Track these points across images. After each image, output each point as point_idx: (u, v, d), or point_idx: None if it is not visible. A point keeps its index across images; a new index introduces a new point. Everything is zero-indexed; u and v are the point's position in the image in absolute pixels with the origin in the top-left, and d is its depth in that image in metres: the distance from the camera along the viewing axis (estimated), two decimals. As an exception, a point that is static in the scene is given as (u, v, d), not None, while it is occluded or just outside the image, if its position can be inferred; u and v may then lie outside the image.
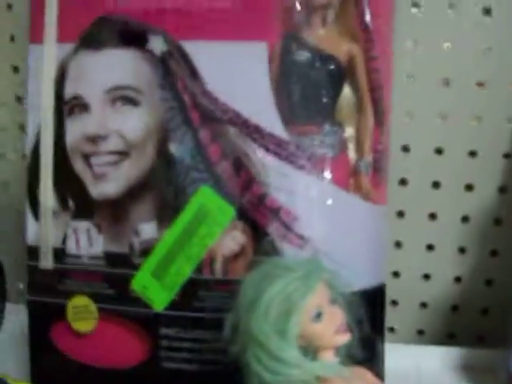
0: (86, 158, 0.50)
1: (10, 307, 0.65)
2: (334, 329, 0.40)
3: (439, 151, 0.59)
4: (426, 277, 0.62)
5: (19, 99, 0.65)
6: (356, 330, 0.42)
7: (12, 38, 0.66)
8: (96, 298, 0.51)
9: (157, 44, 0.48)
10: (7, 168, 0.70)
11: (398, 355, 0.53)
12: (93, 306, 0.51)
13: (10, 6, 0.65)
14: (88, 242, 0.51)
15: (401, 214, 0.61)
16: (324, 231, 0.48)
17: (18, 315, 0.63)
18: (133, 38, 0.49)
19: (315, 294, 0.39)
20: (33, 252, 0.52)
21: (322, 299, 0.40)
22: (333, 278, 0.42)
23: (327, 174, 0.48)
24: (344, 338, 0.40)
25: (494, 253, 0.60)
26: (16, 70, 0.66)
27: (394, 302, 0.61)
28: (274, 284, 0.40)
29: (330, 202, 0.48)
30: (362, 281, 0.48)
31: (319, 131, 0.48)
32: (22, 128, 0.59)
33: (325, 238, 0.47)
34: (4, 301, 0.67)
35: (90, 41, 0.50)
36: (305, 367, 0.39)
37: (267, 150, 0.48)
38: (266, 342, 0.39)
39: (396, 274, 0.61)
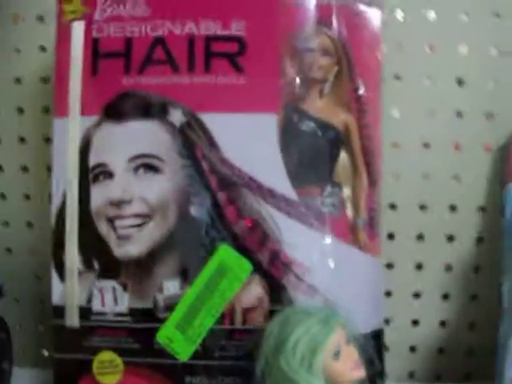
0: (111, 221, 0.54)
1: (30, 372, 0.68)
2: (350, 366, 0.46)
3: (423, 207, 0.66)
4: (415, 322, 0.67)
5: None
6: (367, 367, 0.47)
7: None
8: (121, 352, 0.54)
9: (176, 116, 0.53)
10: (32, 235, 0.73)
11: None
12: (118, 360, 0.54)
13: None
14: (113, 300, 0.54)
15: (390, 266, 0.66)
16: (329, 280, 0.53)
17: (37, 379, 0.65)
18: (154, 110, 0.54)
19: (334, 335, 0.45)
20: (59, 311, 0.55)
21: (340, 339, 0.46)
22: (346, 321, 0.48)
23: (331, 231, 0.54)
24: (360, 374, 0.46)
25: (474, 297, 0.66)
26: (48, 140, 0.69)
27: (385, 347, 0.66)
28: (298, 327, 0.46)
29: (334, 254, 0.53)
30: (364, 325, 0.53)
31: (322, 192, 0.54)
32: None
33: (330, 287, 0.53)
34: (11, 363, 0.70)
35: (114, 113, 0.54)
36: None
37: (279, 210, 0.53)
38: (296, 377, 0.44)
39: (387, 321, 0.66)
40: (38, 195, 0.71)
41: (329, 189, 0.54)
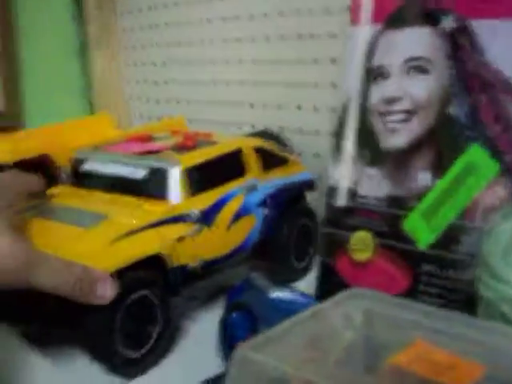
0: (382, 116, 0.61)
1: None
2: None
3: None
4: None
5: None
6: None
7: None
8: (375, 232, 0.61)
9: (447, 22, 0.57)
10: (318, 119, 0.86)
11: None
12: (371, 240, 0.61)
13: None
14: (375, 186, 0.61)
15: None
16: None
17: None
18: (428, 17, 0.58)
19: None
20: (332, 192, 0.64)
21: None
22: None
23: None
24: None
25: None
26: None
27: None
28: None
29: None
30: None
31: None
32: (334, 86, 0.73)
33: None
34: (315, 249, 0.82)
35: (395, 21, 0.60)
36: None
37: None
38: (491, 262, 0.45)
39: None
40: (326, 85, 0.82)
41: None
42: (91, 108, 1.32)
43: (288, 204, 0.77)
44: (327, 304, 0.44)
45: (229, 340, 0.58)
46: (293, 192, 0.78)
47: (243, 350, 0.37)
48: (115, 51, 1.27)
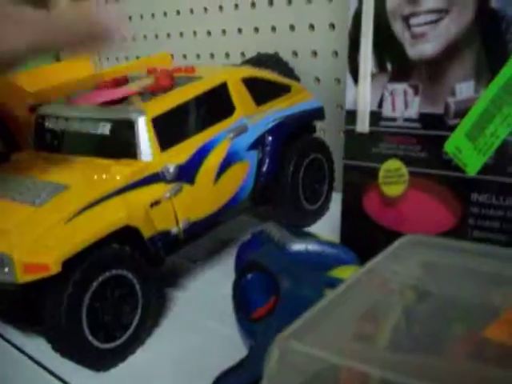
0: (406, 19, 0.49)
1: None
2: None
3: None
4: None
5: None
6: None
7: None
8: (408, 161, 0.51)
9: None
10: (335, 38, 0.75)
11: None
12: (404, 170, 0.51)
13: None
14: (404, 104, 0.50)
15: None
16: None
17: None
18: None
19: None
20: (351, 116, 0.54)
21: None
22: None
23: None
24: None
25: None
26: None
27: None
28: None
29: None
30: None
31: None
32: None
33: None
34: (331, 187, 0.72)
35: None
36: None
37: None
38: None
39: None
40: None
41: None
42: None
43: (292, 138, 0.66)
44: (378, 260, 0.34)
45: (245, 307, 0.48)
46: (297, 124, 0.68)
47: (283, 339, 0.27)
48: None
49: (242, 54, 0.91)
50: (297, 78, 0.79)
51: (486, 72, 0.46)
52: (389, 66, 0.51)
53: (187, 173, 0.55)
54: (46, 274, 0.44)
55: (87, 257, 0.46)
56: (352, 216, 0.56)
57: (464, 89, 0.47)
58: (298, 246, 0.50)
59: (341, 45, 0.75)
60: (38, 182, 0.52)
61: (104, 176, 0.51)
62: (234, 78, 0.62)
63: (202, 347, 0.50)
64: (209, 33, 0.95)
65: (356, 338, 0.30)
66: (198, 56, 0.99)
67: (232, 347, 0.48)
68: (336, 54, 0.78)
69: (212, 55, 0.96)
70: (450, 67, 0.48)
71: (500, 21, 0.45)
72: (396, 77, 0.51)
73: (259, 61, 0.78)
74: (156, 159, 0.53)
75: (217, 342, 0.50)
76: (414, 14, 0.49)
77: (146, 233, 0.52)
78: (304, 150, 0.67)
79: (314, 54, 0.81)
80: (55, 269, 0.44)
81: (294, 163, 0.66)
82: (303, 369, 0.28)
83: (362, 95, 0.53)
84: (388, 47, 0.51)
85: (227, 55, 0.93)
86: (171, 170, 0.53)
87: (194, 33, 0.98)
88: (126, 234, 0.50)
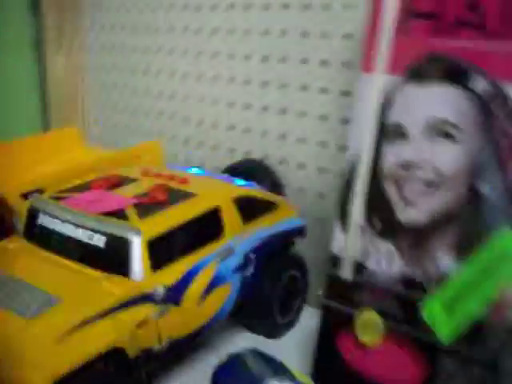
0: (399, 183, 0.53)
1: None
2: None
3: None
4: None
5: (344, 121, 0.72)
6: None
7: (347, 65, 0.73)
8: (385, 315, 0.54)
9: (480, 84, 0.49)
10: (326, 181, 0.77)
11: None
12: (381, 323, 0.54)
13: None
14: (388, 263, 0.54)
15: None
16: None
17: (311, 318, 0.69)
18: (458, 76, 0.50)
19: None
20: (335, 261, 0.57)
21: None
22: None
23: None
24: None
25: None
26: (347, 94, 0.73)
27: None
28: None
29: None
30: None
31: None
32: (343, 147, 0.64)
33: None
34: (303, 301, 0.75)
35: (418, 75, 0.52)
36: None
37: None
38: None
39: None
40: (332, 143, 0.74)
41: None
42: (45, 107, 1.20)
43: (273, 256, 0.69)
44: None
45: None
46: (280, 243, 0.71)
47: None
48: (74, 51, 1.15)
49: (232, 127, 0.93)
50: (281, 185, 0.82)
51: (467, 250, 0.50)
52: (377, 223, 0.54)
53: (175, 294, 0.57)
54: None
55: (72, 379, 0.48)
56: (325, 354, 0.59)
57: (445, 260, 0.51)
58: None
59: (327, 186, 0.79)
60: (28, 286, 0.53)
61: (96, 293, 0.53)
62: (227, 201, 0.64)
63: None
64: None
65: None
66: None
67: None
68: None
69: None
70: (433, 237, 0.51)
71: (484, 204, 0.49)
72: (383, 234, 0.54)
73: (245, 166, 0.81)
74: (147, 280, 0.55)
75: None
76: (407, 180, 0.52)
77: (131, 352, 0.53)
78: (283, 268, 0.70)
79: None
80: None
81: (273, 282, 0.69)
82: None
83: (350, 244, 0.56)
84: (378, 205, 0.54)
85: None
86: (161, 291, 0.55)
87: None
88: (111, 353, 0.51)
